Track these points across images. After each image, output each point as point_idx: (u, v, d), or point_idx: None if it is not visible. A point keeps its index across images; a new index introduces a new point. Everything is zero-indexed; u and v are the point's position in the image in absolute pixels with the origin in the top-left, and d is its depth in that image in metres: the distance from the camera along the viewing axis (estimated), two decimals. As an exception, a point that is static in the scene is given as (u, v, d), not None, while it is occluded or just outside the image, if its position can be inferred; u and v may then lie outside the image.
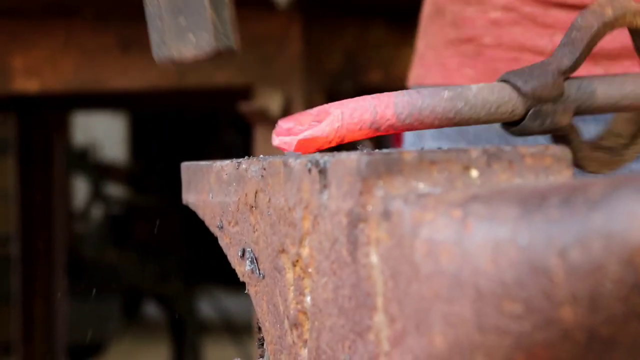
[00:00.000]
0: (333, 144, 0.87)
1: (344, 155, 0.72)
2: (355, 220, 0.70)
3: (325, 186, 0.73)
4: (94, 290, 4.69)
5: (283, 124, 0.88)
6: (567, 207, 0.59)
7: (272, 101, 2.37)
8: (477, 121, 0.88)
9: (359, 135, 0.86)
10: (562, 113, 0.89)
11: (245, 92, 2.48)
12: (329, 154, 0.77)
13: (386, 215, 0.69)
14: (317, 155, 0.75)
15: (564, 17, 1.18)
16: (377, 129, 0.86)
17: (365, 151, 0.75)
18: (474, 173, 0.71)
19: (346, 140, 0.86)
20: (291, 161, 0.77)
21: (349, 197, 0.70)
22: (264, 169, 0.81)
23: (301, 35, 2.37)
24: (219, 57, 0.97)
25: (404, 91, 0.88)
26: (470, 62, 1.23)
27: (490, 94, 0.88)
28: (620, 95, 0.92)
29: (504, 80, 0.90)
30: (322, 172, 0.73)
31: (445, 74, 1.25)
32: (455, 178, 0.70)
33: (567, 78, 0.90)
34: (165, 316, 5.03)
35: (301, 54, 2.37)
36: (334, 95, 2.45)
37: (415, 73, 1.33)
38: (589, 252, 0.58)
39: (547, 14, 1.19)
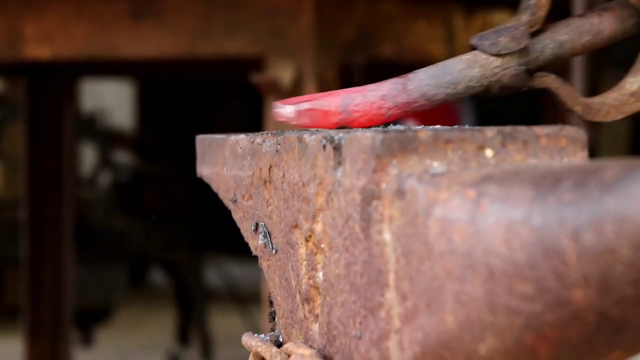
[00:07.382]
0: (341, 122, 0.86)
1: (359, 132, 0.72)
2: (369, 197, 0.70)
3: (339, 163, 0.73)
4: (101, 256, 4.71)
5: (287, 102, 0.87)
6: (580, 189, 0.60)
7: (283, 72, 2.36)
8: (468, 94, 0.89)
9: (363, 108, 0.86)
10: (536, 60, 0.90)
11: (256, 63, 2.48)
12: (344, 130, 0.77)
13: (400, 193, 0.69)
14: (333, 132, 0.75)
15: None
16: (383, 106, 0.86)
17: (380, 129, 0.76)
18: (489, 153, 0.71)
19: (354, 124, 0.85)
20: (306, 137, 0.77)
21: (363, 175, 0.71)
22: (279, 144, 0.81)
23: (313, 7, 2.36)
24: None
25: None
26: None
27: (470, 70, 0.89)
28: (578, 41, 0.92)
29: (473, 47, 0.90)
30: (337, 148, 0.73)
31: None
32: (469, 157, 0.71)
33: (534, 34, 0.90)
34: (172, 283, 5.05)
35: (313, 26, 2.36)
36: (345, 67, 2.45)
37: None
38: (601, 235, 0.58)
39: None
